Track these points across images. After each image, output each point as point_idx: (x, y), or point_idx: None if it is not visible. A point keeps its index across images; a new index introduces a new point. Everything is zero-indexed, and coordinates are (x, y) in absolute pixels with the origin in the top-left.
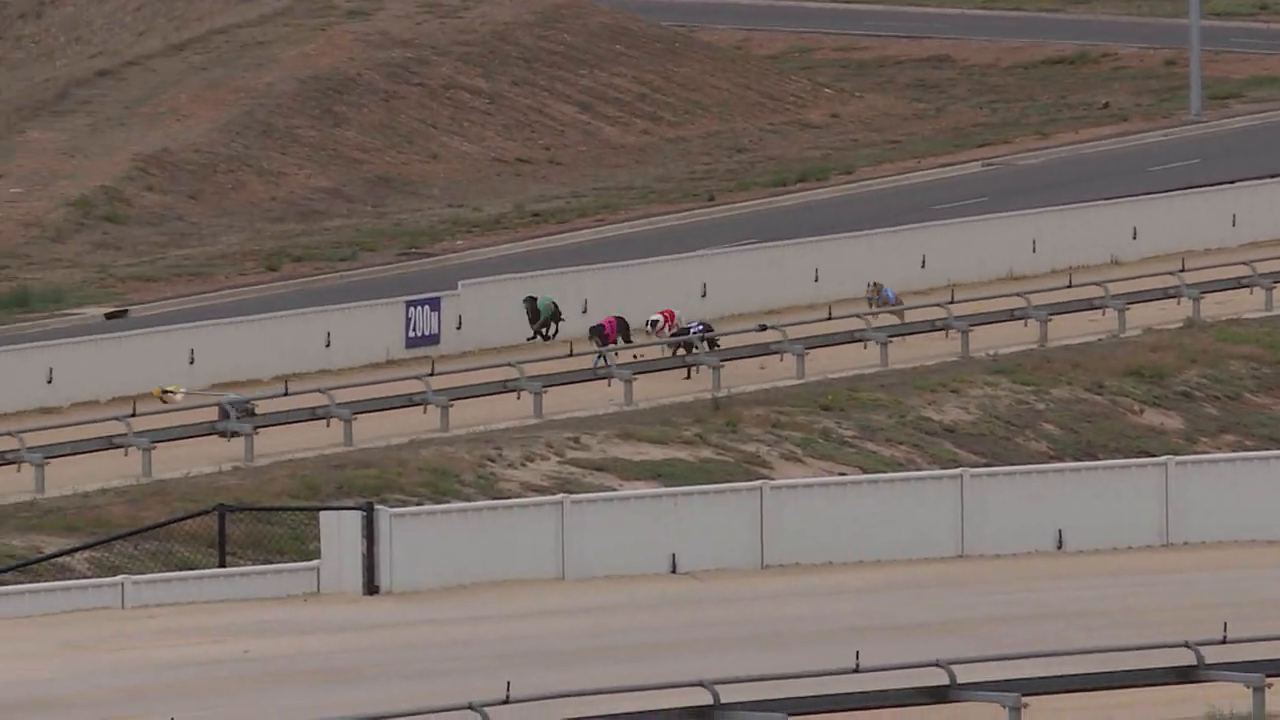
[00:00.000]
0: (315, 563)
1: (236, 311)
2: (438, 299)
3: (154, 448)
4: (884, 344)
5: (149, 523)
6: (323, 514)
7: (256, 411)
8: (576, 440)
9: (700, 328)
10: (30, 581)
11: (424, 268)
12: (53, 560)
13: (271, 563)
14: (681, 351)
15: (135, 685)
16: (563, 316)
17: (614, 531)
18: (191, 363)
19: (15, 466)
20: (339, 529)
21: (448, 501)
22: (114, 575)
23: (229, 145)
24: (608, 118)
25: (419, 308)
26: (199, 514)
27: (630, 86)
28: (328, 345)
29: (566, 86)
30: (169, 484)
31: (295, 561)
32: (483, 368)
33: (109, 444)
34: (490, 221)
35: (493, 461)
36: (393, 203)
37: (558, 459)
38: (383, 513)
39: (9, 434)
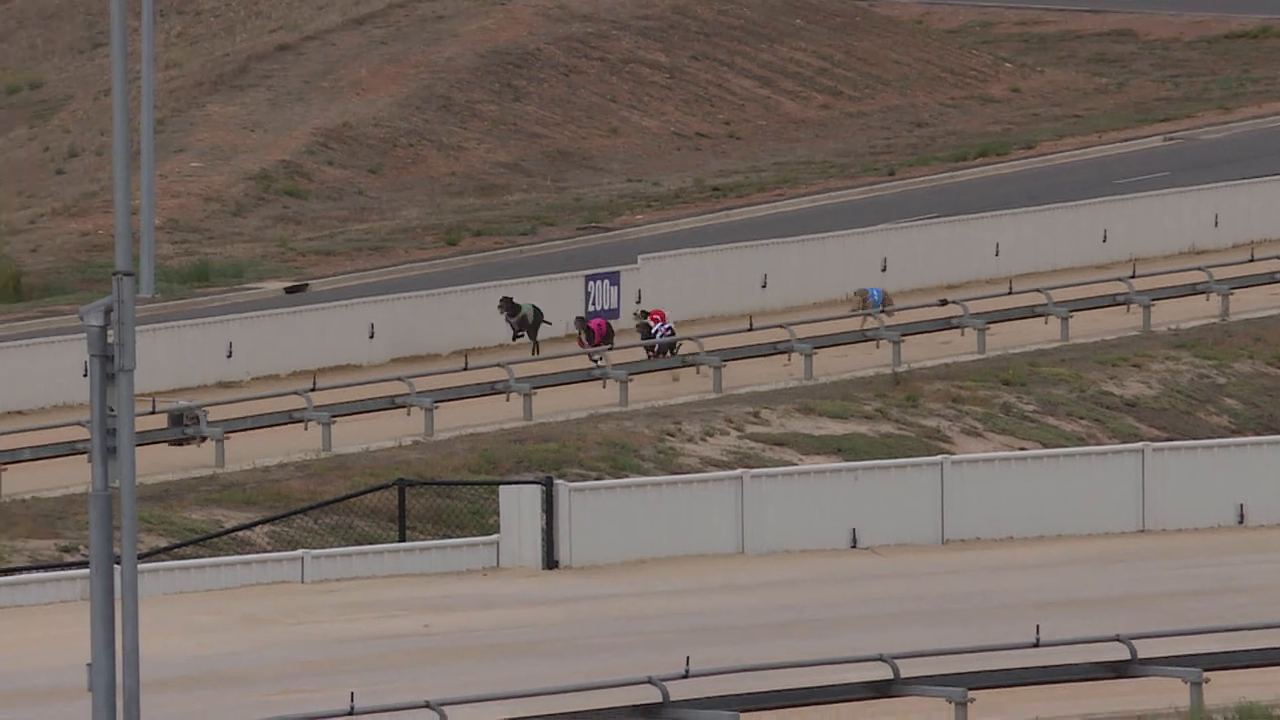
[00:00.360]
0: (495, 537)
1: (416, 286)
2: (617, 273)
3: (334, 422)
4: (1065, 319)
5: (329, 497)
6: (502, 488)
7: (204, 420)
8: (756, 415)
9: (668, 329)
10: (211, 555)
11: (603, 242)
12: (233, 534)
13: (451, 537)
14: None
15: (315, 659)
16: (547, 320)
17: (794, 506)
18: (371, 337)
19: (196, 441)
20: (518, 503)
21: (627, 476)
22: (294, 549)
23: (408, 119)
24: (787, 92)
25: (598, 282)
26: (379, 488)
27: (810, 61)
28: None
29: (746, 61)
30: (349, 458)
31: (475, 536)
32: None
33: (289, 418)
34: (669, 196)
35: (672, 436)
36: (572, 177)
37: (737, 434)
38: (562, 487)
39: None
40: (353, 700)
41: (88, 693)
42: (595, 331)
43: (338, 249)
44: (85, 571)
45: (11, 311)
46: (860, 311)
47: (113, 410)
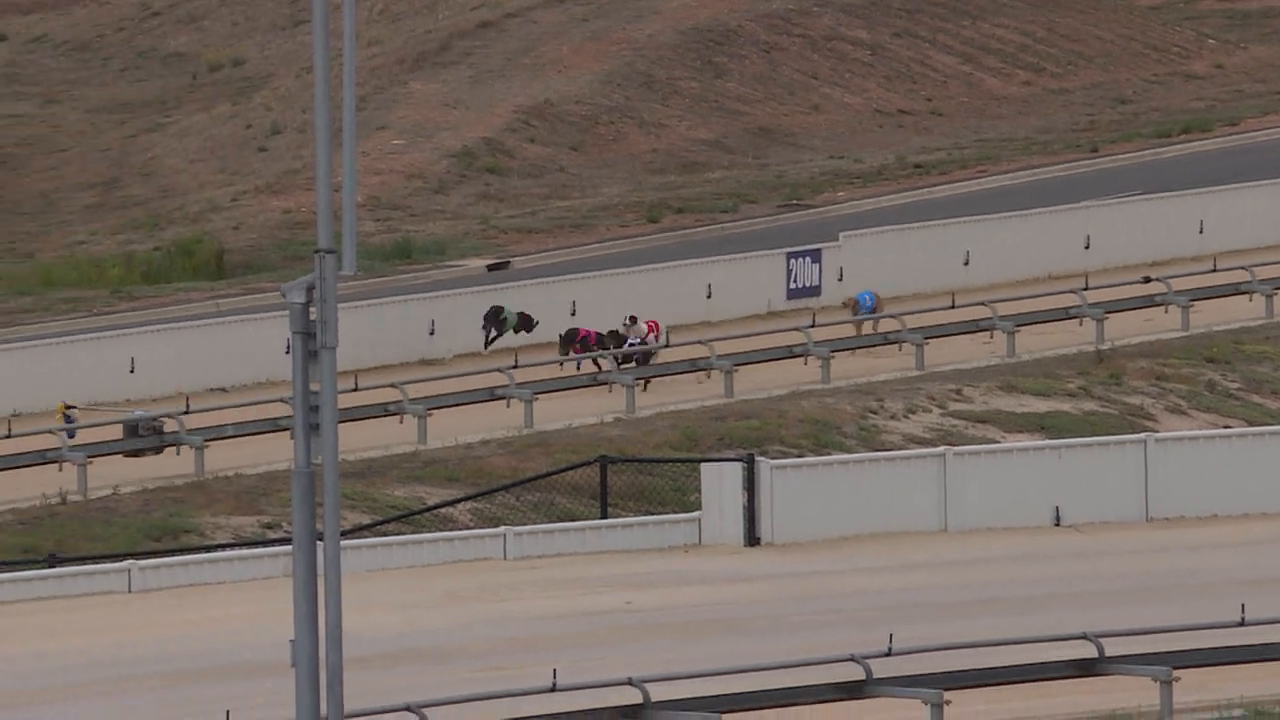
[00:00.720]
0: (696, 514)
1: (617, 263)
2: (818, 250)
3: (536, 399)
4: (1269, 296)
5: (531, 474)
6: (704, 465)
7: (165, 430)
8: (958, 392)
9: (638, 340)
10: (413, 532)
11: (805, 219)
12: (435, 511)
13: (653, 514)
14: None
15: (517, 636)
16: (535, 324)
17: (996, 484)
18: (573, 314)
19: (398, 418)
20: (720, 481)
21: (829, 453)
22: (496, 526)
23: (610, 97)
24: (990, 69)
25: (800, 259)
26: (581, 465)
27: (1012, 37)
28: (709, 297)
29: (948, 37)
30: (550, 435)
31: (676, 513)
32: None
33: (491, 395)
34: (871, 173)
35: (874, 413)
36: (773, 154)
37: (939, 411)
38: (763, 464)
39: (392, 385)
40: (555, 677)
41: (291, 669)
42: (586, 341)
43: (539, 226)
44: (288, 548)
45: (214, 289)
46: (857, 317)
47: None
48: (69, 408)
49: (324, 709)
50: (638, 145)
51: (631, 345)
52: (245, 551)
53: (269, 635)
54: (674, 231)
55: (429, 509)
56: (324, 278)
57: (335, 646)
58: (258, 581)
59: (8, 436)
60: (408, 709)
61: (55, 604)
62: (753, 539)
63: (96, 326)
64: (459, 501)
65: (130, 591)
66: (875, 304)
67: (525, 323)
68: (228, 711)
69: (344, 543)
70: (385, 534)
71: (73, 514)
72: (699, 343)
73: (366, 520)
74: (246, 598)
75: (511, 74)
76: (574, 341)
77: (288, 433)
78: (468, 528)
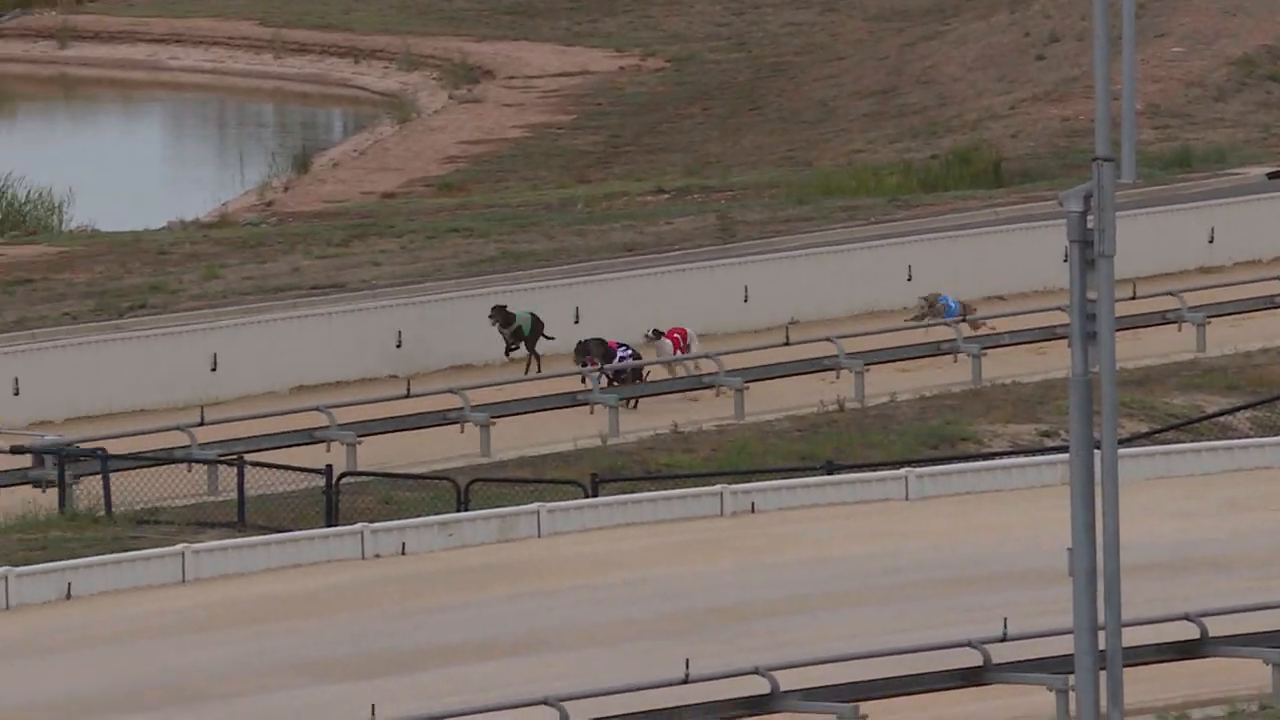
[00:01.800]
0: None
1: None
2: None
3: None
4: None
5: None
6: None
7: (82, 459)
8: None
9: (630, 353)
10: (1192, 440)
11: None
12: (1214, 420)
13: None
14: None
15: None
16: (547, 333)
17: None
18: None
19: (1176, 326)
20: None
21: None
22: (1275, 435)
23: None
24: None
25: None
26: None
27: None
28: None
29: None
30: None
31: None
32: None
33: (1269, 303)
34: None
35: None
36: None
37: None
38: None
39: (1170, 293)
40: None
41: (1068, 577)
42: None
43: None
44: (1065, 456)
45: (991, 197)
46: (928, 321)
47: (1093, 296)
48: None
49: (1101, 617)
50: None
51: (622, 360)
52: (1022, 459)
53: (1046, 544)
54: None
55: (1208, 417)
56: (1102, 186)
57: (1113, 555)
58: (1035, 489)
59: (785, 344)
60: (1186, 618)
61: (833, 510)
62: None
63: (874, 235)
64: (1239, 410)
65: (908, 499)
66: (960, 309)
67: (537, 326)
68: (1005, 619)
69: (1121, 451)
70: (1163, 442)
71: (850, 421)
72: None
73: (1144, 429)
74: (1024, 505)
75: None
76: (587, 354)
77: (1065, 341)
78: (1247, 436)
